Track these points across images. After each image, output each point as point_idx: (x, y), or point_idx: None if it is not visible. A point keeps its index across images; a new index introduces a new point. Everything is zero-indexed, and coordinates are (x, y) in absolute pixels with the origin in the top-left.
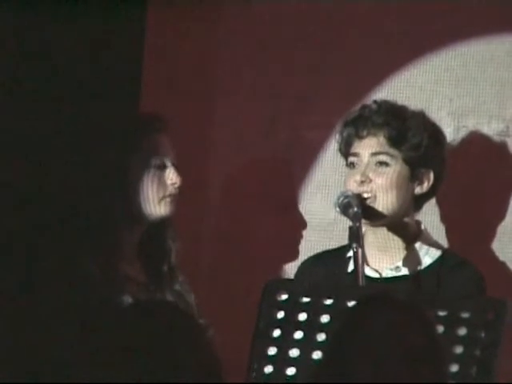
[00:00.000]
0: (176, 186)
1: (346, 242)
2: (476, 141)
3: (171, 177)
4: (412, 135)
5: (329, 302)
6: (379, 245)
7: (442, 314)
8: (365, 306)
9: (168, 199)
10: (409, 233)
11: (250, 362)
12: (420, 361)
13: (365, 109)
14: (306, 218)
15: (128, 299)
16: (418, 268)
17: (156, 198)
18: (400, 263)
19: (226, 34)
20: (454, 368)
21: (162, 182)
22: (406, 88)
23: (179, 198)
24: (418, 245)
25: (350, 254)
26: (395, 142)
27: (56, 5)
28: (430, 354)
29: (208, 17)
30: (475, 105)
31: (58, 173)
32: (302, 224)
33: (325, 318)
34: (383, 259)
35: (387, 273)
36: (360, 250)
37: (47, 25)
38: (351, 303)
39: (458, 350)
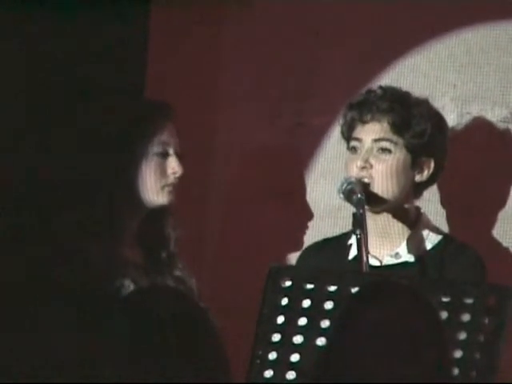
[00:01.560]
0: (177, 175)
1: (349, 228)
2: (479, 127)
3: (172, 166)
4: (416, 123)
5: (333, 288)
6: (379, 231)
7: (445, 300)
8: (368, 292)
9: (168, 188)
10: (408, 219)
11: (254, 348)
12: (423, 346)
13: (370, 93)
14: (310, 205)
15: (129, 283)
16: (419, 254)
17: (156, 185)
18: (400, 249)
19: (228, 34)
20: (458, 354)
21: (163, 170)
22: (410, 74)
23: (184, 186)
24: (418, 230)
25: (351, 241)
26: (399, 128)
27: (59, 5)
28: (434, 339)
29: (210, 17)
30: (479, 91)
31: (59, 158)
32: (307, 212)
33: (329, 305)
34: (383, 246)
35: (387, 260)
36: (364, 237)
37: (50, 24)
38: (355, 289)
39: (462, 336)
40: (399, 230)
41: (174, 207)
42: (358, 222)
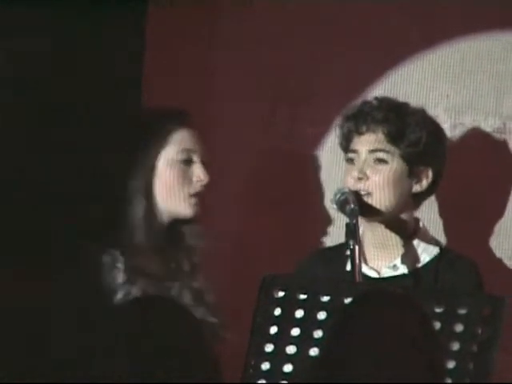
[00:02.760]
0: (202, 183)
1: (343, 238)
2: (472, 138)
3: (197, 173)
4: (410, 132)
5: (326, 298)
6: (377, 242)
7: (438, 310)
8: (361, 303)
9: (194, 197)
10: (406, 230)
11: (247, 358)
12: (417, 355)
13: (365, 104)
14: (304, 213)
15: (136, 291)
16: (416, 266)
17: (181, 194)
18: (398, 261)
19: (226, 33)
20: (451, 364)
21: (188, 178)
22: (404, 84)
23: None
24: (415, 242)
25: (349, 251)
26: (393, 138)
27: (56, 4)
28: (427, 348)
29: (208, 16)
30: (472, 101)
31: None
32: (301, 220)
33: (322, 315)
34: (381, 257)
35: (385, 271)
36: (357, 247)
37: (47, 24)
38: (348, 300)
39: (455, 346)
40: (397, 242)
41: (199, 217)
42: (351, 233)
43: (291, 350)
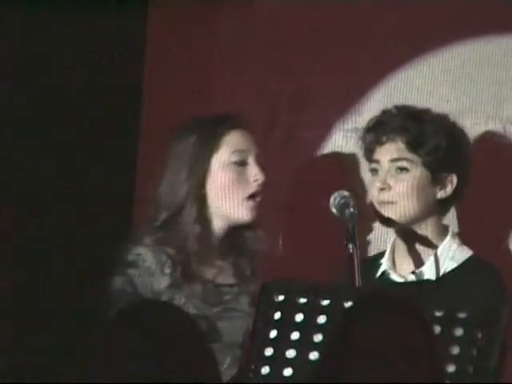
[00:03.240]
0: (259, 182)
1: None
2: (473, 141)
3: (253, 173)
4: (429, 139)
5: (325, 302)
6: (404, 249)
7: (438, 314)
8: (361, 307)
9: (251, 199)
10: (433, 237)
11: (247, 362)
12: (417, 360)
13: (384, 114)
14: (304, 217)
15: (180, 297)
16: (442, 272)
17: (236, 196)
18: (424, 268)
19: (226, 34)
20: (451, 368)
21: (243, 180)
22: (404, 88)
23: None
24: (442, 248)
25: (382, 260)
26: (413, 146)
27: (56, 5)
28: (427, 353)
29: (208, 17)
30: (472, 105)
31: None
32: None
33: (321, 319)
34: (408, 263)
35: (411, 277)
36: (356, 251)
37: (47, 26)
38: (348, 304)
39: (455, 350)
40: (423, 248)
41: (258, 221)
42: (351, 237)
43: (291, 353)
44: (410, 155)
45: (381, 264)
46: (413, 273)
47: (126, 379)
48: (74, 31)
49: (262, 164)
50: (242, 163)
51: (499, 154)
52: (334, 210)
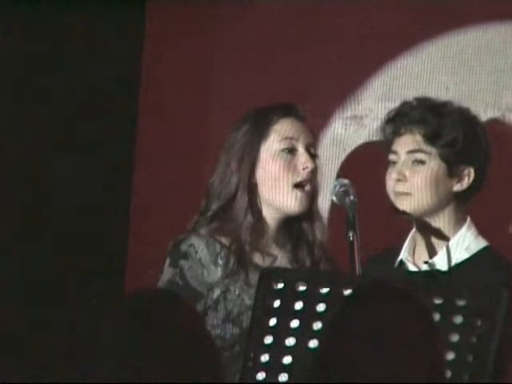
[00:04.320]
0: (308, 169)
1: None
2: None
3: (303, 161)
4: (447, 132)
5: (325, 290)
6: (419, 239)
7: (437, 302)
8: (361, 295)
9: (301, 187)
10: (449, 228)
11: (247, 350)
12: (417, 348)
13: (404, 105)
14: None
15: (234, 289)
16: (454, 263)
17: (287, 183)
18: (437, 258)
19: (224, 34)
20: (450, 356)
21: (293, 167)
22: (403, 76)
23: (179, 191)
24: (456, 239)
25: (401, 254)
26: (430, 138)
27: (55, 6)
28: (427, 341)
29: (207, 17)
30: (471, 93)
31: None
32: None
33: (321, 307)
34: (425, 254)
35: (425, 267)
36: (357, 239)
37: (47, 25)
38: (347, 292)
39: (454, 338)
40: (438, 239)
41: (316, 210)
42: (351, 224)
43: (290, 341)
44: (426, 147)
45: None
46: (426, 263)
47: (126, 373)
48: (71, 30)
49: (313, 153)
50: (291, 151)
51: (498, 142)
52: (334, 198)
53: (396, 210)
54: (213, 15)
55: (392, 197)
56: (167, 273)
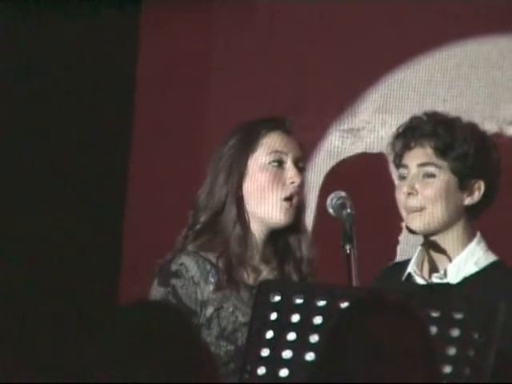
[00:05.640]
0: (295, 184)
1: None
2: None
3: (290, 175)
4: (458, 146)
5: (322, 303)
6: (429, 252)
7: (435, 314)
8: (357, 307)
9: (287, 201)
10: (459, 242)
11: (243, 363)
12: (413, 361)
13: (414, 119)
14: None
15: (228, 306)
16: (463, 276)
17: (274, 196)
18: (446, 271)
19: (222, 36)
20: (448, 369)
21: (280, 181)
22: (400, 88)
23: (174, 198)
24: (466, 253)
25: (409, 267)
26: (442, 152)
27: (49, 5)
28: (423, 353)
29: (204, 18)
30: (469, 106)
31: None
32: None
33: (318, 320)
34: (434, 267)
35: (434, 280)
36: (354, 252)
37: (40, 25)
38: (344, 304)
39: (451, 351)
40: (448, 252)
41: (303, 225)
42: (348, 237)
43: (287, 354)
44: (437, 160)
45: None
46: (434, 276)
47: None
48: (67, 30)
49: (301, 166)
50: (279, 164)
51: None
52: (330, 211)
53: (407, 226)
54: (209, 17)
55: (403, 213)
56: (157, 292)
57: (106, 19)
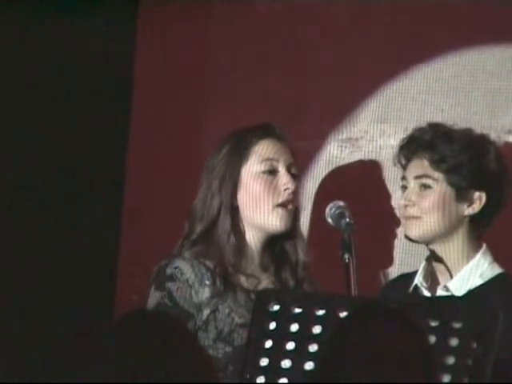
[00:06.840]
0: (289, 191)
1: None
2: None
3: (283, 182)
4: (453, 157)
5: (321, 312)
6: (437, 265)
7: (433, 324)
8: (357, 317)
9: (281, 207)
10: (464, 253)
11: (242, 372)
12: (412, 370)
13: (416, 131)
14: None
15: (224, 309)
16: (467, 288)
17: (269, 204)
18: (450, 283)
19: (220, 36)
20: (446, 378)
21: (274, 188)
22: (398, 98)
23: (172, 203)
24: (471, 265)
25: (416, 279)
26: (437, 164)
27: (47, 6)
28: (422, 363)
29: (201, 18)
30: (467, 115)
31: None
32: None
33: (317, 329)
34: (439, 279)
35: (438, 292)
36: (352, 261)
37: (38, 26)
38: (343, 314)
39: (450, 360)
40: (453, 264)
41: (299, 231)
42: (347, 247)
43: (286, 364)
44: (433, 173)
45: (414, 278)
46: (439, 288)
47: None
48: (62, 30)
49: (294, 173)
50: (271, 172)
51: None
52: (329, 221)
53: (407, 235)
54: (207, 17)
55: (403, 222)
56: (154, 297)
57: (104, 21)
